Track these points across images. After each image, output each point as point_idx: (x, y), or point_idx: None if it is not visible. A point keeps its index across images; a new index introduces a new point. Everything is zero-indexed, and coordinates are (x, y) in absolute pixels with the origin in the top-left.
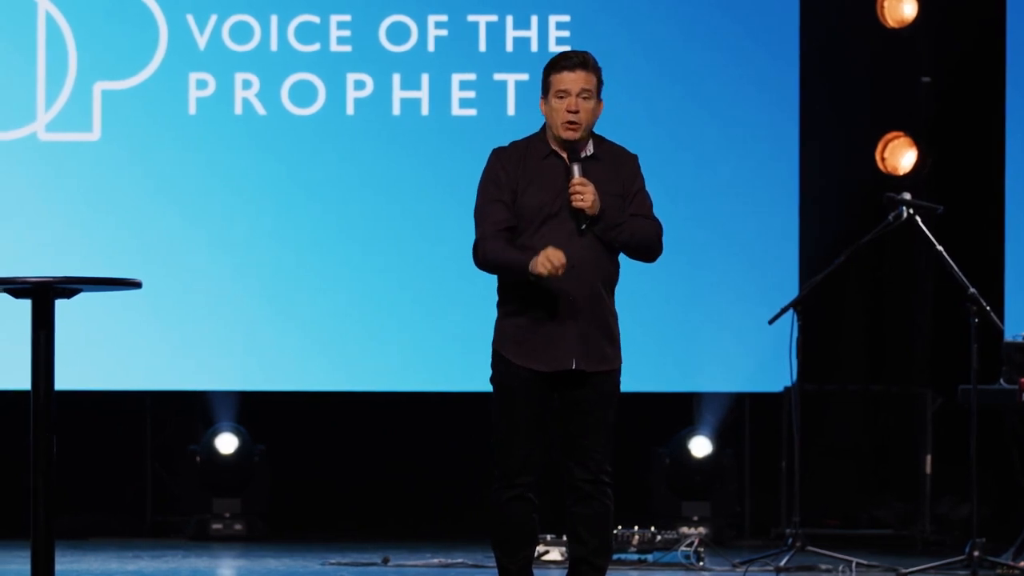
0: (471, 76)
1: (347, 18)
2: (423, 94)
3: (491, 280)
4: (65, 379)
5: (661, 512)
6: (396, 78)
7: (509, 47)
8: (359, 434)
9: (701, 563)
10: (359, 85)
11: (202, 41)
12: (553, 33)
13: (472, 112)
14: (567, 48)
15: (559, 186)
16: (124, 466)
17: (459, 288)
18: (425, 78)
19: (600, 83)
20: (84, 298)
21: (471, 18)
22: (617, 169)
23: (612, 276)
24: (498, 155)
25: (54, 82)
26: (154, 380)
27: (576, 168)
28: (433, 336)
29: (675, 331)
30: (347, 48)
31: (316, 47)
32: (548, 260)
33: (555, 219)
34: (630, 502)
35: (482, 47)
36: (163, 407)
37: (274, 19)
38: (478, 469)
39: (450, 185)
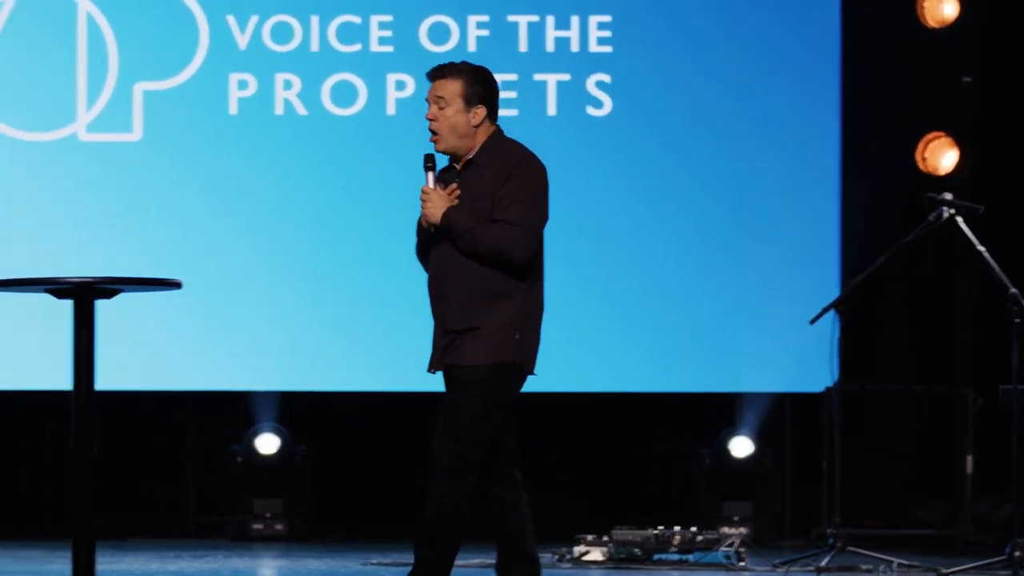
0: (512, 76)
1: (388, 18)
2: None
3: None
4: (106, 379)
5: (702, 512)
6: None
7: (550, 47)
8: (400, 434)
9: (742, 563)
10: (400, 85)
11: (243, 41)
12: (594, 33)
13: (513, 112)
14: (608, 49)
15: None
16: (165, 466)
17: None
18: None
19: (469, 89)
20: (125, 298)
21: (512, 18)
22: (496, 174)
23: (491, 276)
24: None
25: (95, 82)
26: (195, 380)
27: (429, 176)
28: None
29: (717, 331)
30: (388, 48)
31: (357, 47)
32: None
33: (426, 229)
34: (672, 502)
35: (523, 47)
36: (204, 407)
37: (315, 19)
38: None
39: None
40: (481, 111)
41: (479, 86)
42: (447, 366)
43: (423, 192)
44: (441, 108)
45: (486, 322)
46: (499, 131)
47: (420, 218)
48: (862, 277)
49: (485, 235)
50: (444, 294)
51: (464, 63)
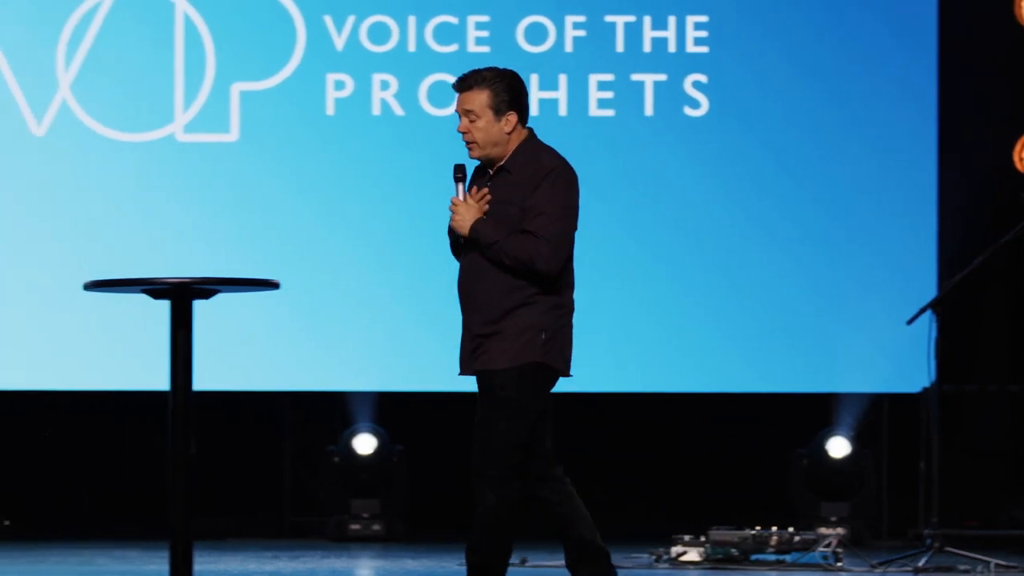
0: (609, 76)
1: (485, 19)
2: (561, 94)
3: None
4: (203, 380)
5: (800, 513)
6: (534, 79)
7: (647, 47)
8: None
9: (839, 564)
10: None
11: (340, 42)
12: (691, 33)
13: (610, 113)
14: (704, 49)
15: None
16: (263, 467)
17: (601, 287)
18: (563, 79)
19: (497, 98)
20: (222, 298)
21: (609, 18)
22: (527, 182)
23: (517, 285)
24: None
25: (192, 83)
26: (293, 380)
27: (459, 188)
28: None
29: (814, 332)
30: (485, 49)
31: (454, 48)
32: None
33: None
34: (769, 502)
35: (620, 47)
36: (302, 407)
37: (412, 20)
38: (614, 470)
39: (589, 186)
40: (512, 117)
41: (506, 93)
42: (477, 372)
43: (452, 203)
44: (472, 121)
45: (510, 326)
46: (531, 135)
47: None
48: (959, 277)
49: (511, 248)
50: (471, 300)
51: (489, 70)
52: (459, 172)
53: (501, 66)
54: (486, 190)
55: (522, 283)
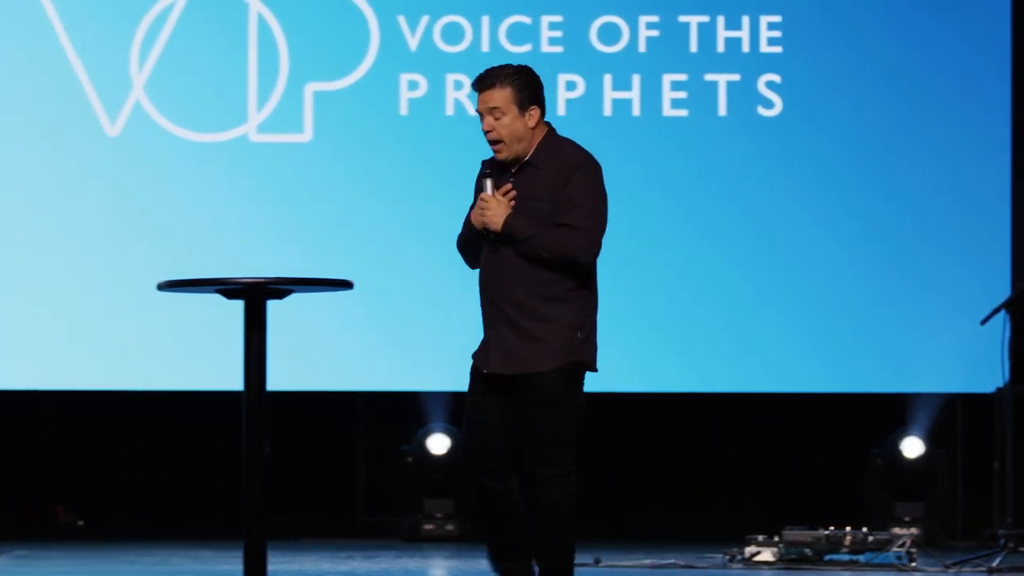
0: (682, 76)
1: (558, 19)
2: (634, 95)
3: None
4: (277, 380)
5: (874, 513)
6: (607, 79)
7: (720, 47)
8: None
9: (913, 564)
10: (570, 86)
11: (413, 42)
12: (764, 33)
13: (683, 113)
14: (778, 49)
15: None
16: (336, 467)
17: (675, 287)
18: (636, 79)
19: (520, 93)
20: (296, 298)
21: (682, 19)
22: (555, 176)
23: (549, 280)
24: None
25: (266, 83)
26: (367, 381)
27: (488, 184)
28: (641, 336)
29: (888, 332)
30: (558, 49)
31: (527, 48)
32: (477, 213)
33: (484, 234)
34: (843, 503)
35: (693, 47)
36: (375, 407)
37: (485, 20)
38: (690, 470)
39: (661, 184)
40: (536, 112)
41: (528, 89)
42: (515, 376)
43: (483, 199)
44: (497, 119)
45: (548, 326)
46: (552, 130)
47: (471, 216)
48: None
49: (548, 241)
50: (500, 298)
51: (508, 67)
52: (489, 167)
53: (575, 66)
54: (509, 186)
55: (554, 278)
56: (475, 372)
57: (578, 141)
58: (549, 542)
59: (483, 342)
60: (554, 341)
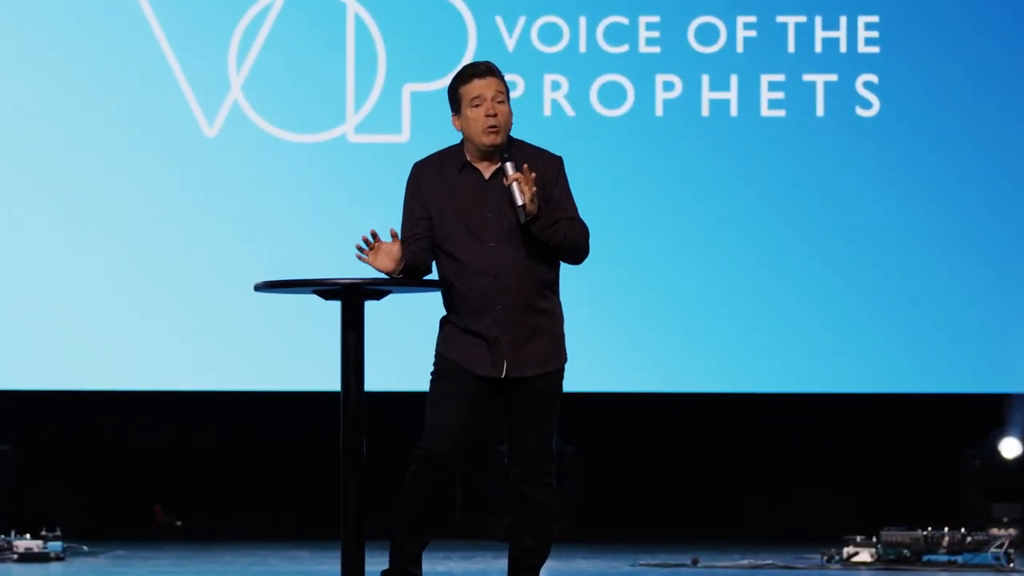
0: (780, 77)
1: (655, 19)
2: (732, 95)
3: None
4: (374, 380)
5: (971, 514)
6: (705, 79)
7: (818, 48)
8: (669, 434)
9: (1011, 564)
10: (668, 86)
11: (511, 43)
12: (862, 34)
13: (781, 113)
14: (875, 49)
15: (475, 199)
16: None
17: (769, 287)
18: (734, 79)
19: (508, 90)
20: (393, 299)
21: (780, 19)
22: (542, 172)
23: (545, 277)
24: (415, 170)
25: (363, 84)
26: None
27: (510, 166)
28: (745, 336)
29: (986, 332)
30: (656, 49)
31: (625, 48)
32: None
33: (474, 233)
34: (940, 504)
35: (791, 48)
36: None
37: (583, 20)
38: (790, 471)
39: (760, 186)
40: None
41: None
42: (525, 376)
43: (521, 178)
44: (500, 103)
45: (554, 324)
46: None
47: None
48: None
49: (570, 229)
50: (510, 300)
51: (496, 64)
52: (504, 151)
53: (673, 67)
54: (527, 166)
55: (551, 277)
56: (461, 372)
57: (676, 141)
58: (543, 540)
59: (479, 345)
60: (560, 338)
